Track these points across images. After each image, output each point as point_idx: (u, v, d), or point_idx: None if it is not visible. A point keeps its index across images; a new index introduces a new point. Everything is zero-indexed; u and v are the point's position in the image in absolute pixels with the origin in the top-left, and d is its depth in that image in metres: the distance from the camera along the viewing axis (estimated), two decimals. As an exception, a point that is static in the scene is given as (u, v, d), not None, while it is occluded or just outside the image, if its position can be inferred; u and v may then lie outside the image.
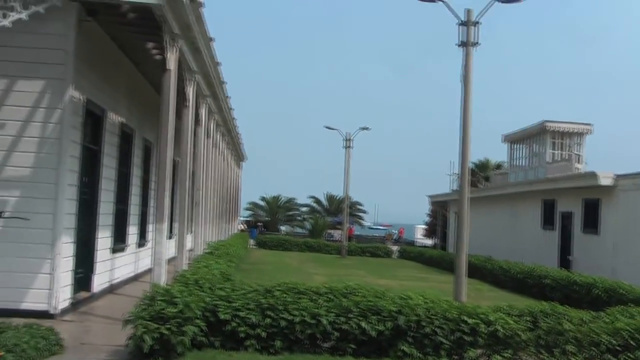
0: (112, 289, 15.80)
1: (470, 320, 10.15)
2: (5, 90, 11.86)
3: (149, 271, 20.39)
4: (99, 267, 14.60)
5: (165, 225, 11.94)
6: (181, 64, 13.27)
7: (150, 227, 20.86)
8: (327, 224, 66.01)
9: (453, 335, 10.05)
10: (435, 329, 10.06)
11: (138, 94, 17.75)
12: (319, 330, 9.80)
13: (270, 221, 79.62)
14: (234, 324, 9.53)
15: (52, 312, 11.72)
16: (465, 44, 17.14)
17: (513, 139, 41.19)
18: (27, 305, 11.71)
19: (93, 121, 13.68)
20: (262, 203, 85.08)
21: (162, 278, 11.76)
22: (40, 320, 10.96)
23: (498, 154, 73.37)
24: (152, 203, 20.90)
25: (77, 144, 12.55)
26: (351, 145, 44.13)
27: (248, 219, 79.87)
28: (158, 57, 14.91)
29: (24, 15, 10.17)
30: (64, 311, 12.11)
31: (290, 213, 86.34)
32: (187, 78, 14.38)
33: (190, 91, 14.74)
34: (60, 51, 11.81)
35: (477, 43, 17.10)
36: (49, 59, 11.85)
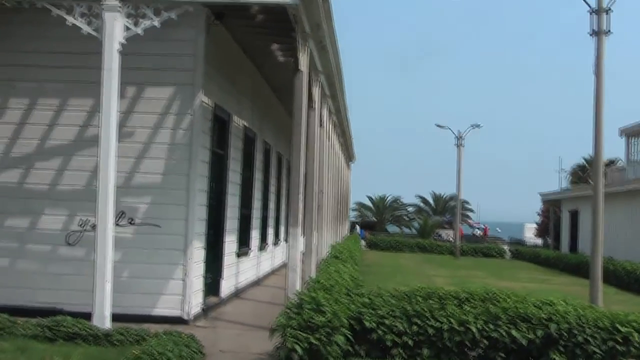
0: (237, 294, 15.73)
1: (622, 329, 9.54)
2: (133, 98, 11.90)
3: (269, 275, 20.43)
4: (226, 271, 14.51)
5: (300, 230, 11.70)
6: (308, 64, 13.03)
7: (269, 231, 20.84)
8: (436, 224, 65.09)
9: (605, 345, 9.44)
10: (588, 338, 9.47)
11: (259, 97, 17.67)
12: (467, 338, 9.35)
13: (377, 221, 79.15)
14: (380, 332, 9.18)
15: (185, 317, 11.67)
16: (597, 33, 16.32)
17: (631, 133, 39.44)
18: (159, 311, 11.71)
19: (219, 125, 13.60)
20: (368, 203, 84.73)
21: (297, 284, 11.51)
22: (173, 326, 10.93)
23: (610, 148, 70.67)
24: (271, 206, 20.89)
25: (207, 149, 12.50)
26: (462, 143, 43.36)
27: (354, 219, 79.55)
28: (282, 59, 14.79)
29: (156, 22, 10.11)
30: (196, 317, 12.05)
31: (397, 213, 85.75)
32: (314, 79, 14.14)
33: (316, 92, 14.49)
34: (191, 56, 11.77)
35: (609, 31, 16.25)
36: (179, 64, 11.84)
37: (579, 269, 32.49)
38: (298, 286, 11.54)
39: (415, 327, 9.32)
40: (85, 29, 10.09)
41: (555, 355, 9.37)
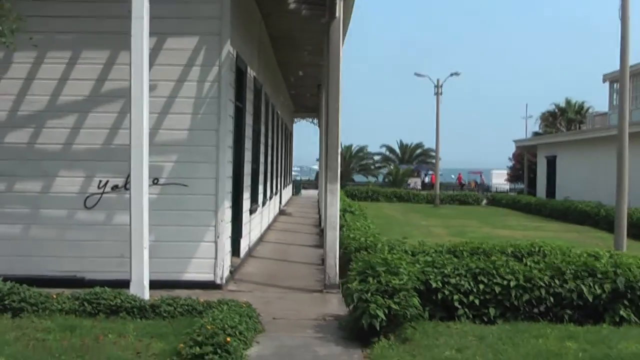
0: (250, 252, 15.13)
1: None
2: (154, 49, 10.99)
3: (267, 231, 19.85)
4: (243, 230, 13.88)
5: (338, 186, 11.09)
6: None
7: (268, 185, 20.23)
8: (407, 172, 64.99)
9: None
10: (652, 290, 9.11)
11: (262, 47, 16.87)
12: (534, 295, 8.90)
13: (344, 171, 78.64)
14: (446, 292, 8.70)
15: (217, 282, 11.06)
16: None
17: (615, 79, 39.26)
18: (190, 275, 11.09)
19: (238, 77, 12.80)
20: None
21: (337, 243, 10.94)
22: (205, 291, 10.44)
23: (585, 95, 70.86)
24: (269, 160, 20.27)
25: (232, 102, 11.75)
26: (441, 92, 42.86)
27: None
28: (292, 6, 13.98)
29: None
30: (227, 280, 11.44)
31: (364, 162, 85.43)
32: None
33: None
34: (216, 4, 10.96)
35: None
36: (204, 12, 11.04)
37: (566, 215, 32.47)
38: (338, 245, 10.97)
39: (481, 286, 8.87)
40: (110, -27, 9.24)
41: (622, 310, 9.01)
